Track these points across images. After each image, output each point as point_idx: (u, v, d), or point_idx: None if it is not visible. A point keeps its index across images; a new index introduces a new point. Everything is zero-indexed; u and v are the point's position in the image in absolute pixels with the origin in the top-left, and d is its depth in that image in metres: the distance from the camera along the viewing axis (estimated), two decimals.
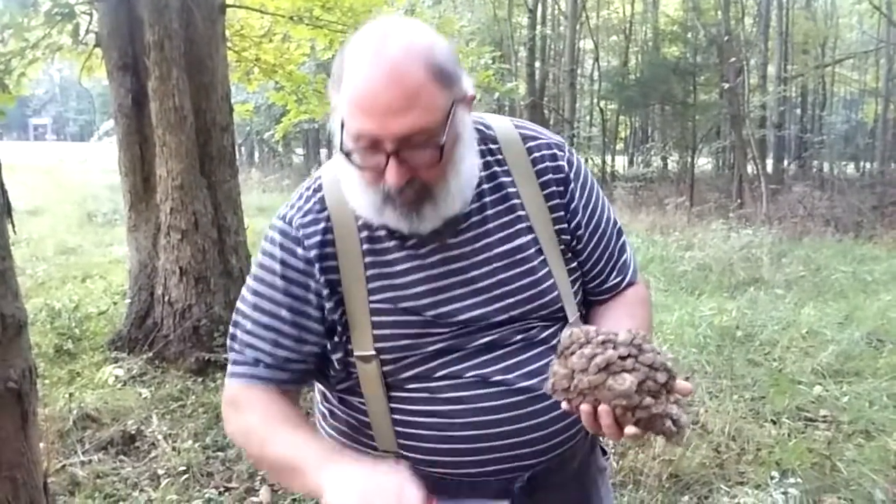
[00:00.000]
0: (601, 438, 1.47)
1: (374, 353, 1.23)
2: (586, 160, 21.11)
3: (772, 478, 3.24)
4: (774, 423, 4.04)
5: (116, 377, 4.53)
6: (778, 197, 15.24)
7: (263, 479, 3.45)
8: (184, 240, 4.92)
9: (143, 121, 5.10)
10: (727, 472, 3.47)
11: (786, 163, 22.81)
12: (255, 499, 3.32)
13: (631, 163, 26.55)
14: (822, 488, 3.25)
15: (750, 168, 16.83)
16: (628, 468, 3.41)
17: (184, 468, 3.51)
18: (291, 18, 6.78)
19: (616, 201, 15.95)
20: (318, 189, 1.30)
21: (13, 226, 2.13)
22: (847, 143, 24.70)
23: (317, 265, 1.25)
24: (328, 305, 1.25)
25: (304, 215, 1.27)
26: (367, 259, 1.25)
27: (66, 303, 5.97)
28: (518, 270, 1.28)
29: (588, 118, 28.76)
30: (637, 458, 3.48)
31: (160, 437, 3.80)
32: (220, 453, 3.71)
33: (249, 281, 1.32)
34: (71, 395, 4.18)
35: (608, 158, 23.64)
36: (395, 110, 1.09)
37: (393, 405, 1.26)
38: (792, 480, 3.17)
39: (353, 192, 1.23)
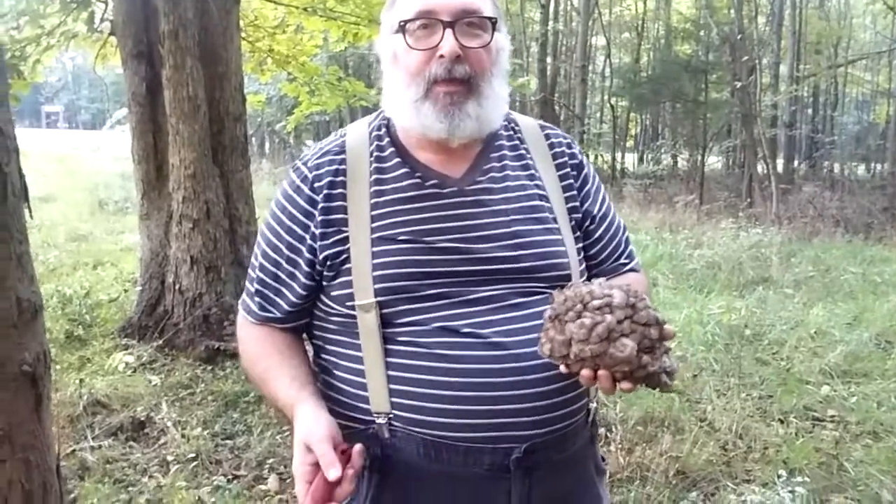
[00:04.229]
0: (599, 440, 1.49)
1: (373, 300, 1.24)
2: (596, 157, 21.12)
3: (779, 476, 3.24)
4: (782, 422, 4.05)
5: (126, 364, 4.56)
6: (788, 197, 15.18)
7: (272, 468, 3.47)
8: (195, 229, 4.94)
9: (156, 109, 5.12)
10: (734, 470, 3.47)
11: (796, 163, 22.71)
12: (263, 486, 3.34)
13: (641, 160, 26.44)
14: (830, 488, 3.26)
15: (760, 167, 16.77)
16: (635, 464, 3.41)
17: (193, 455, 3.52)
18: (305, 10, 6.80)
19: (625, 198, 15.92)
20: (342, 135, 1.38)
21: (30, 211, 2.14)
22: (858, 144, 24.59)
23: (321, 205, 1.29)
24: (330, 252, 1.28)
25: (322, 156, 1.34)
26: (374, 198, 1.29)
27: (77, 289, 6.01)
28: (535, 227, 1.31)
29: (599, 115, 28.69)
30: (644, 455, 3.48)
31: (169, 424, 3.82)
32: (228, 441, 3.74)
33: (266, 215, 1.39)
34: (81, 380, 4.21)
35: (618, 155, 23.57)
36: None
37: (389, 359, 1.25)
38: (799, 479, 3.16)
39: (395, 94, 1.30)
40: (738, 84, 15.61)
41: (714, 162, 24.58)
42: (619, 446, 3.56)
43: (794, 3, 21.26)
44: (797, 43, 21.22)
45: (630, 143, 28.68)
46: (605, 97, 26.56)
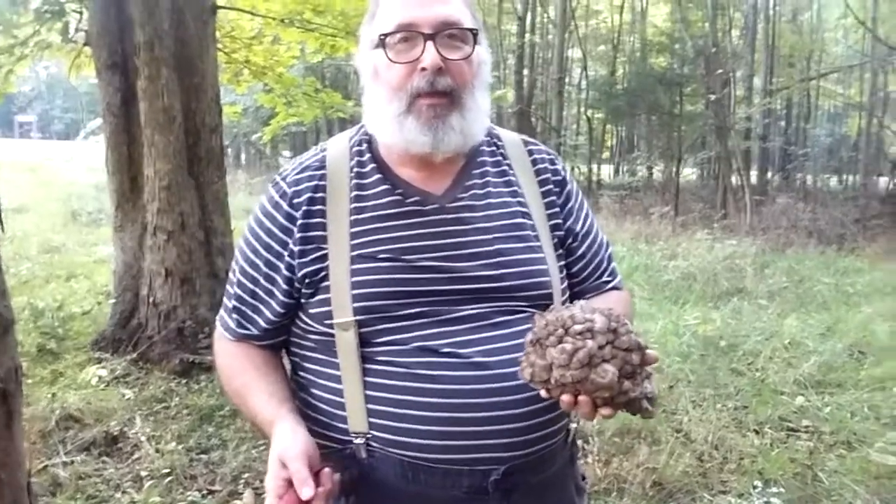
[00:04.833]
0: (579, 455, 1.48)
1: (352, 319, 1.22)
2: (573, 168, 21.20)
3: (754, 487, 3.26)
4: (757, 432, 4.07)
5: (100, 378, 4.50)
6: (762, 208, 15.32)
7: (247, 483, 3.44)
8: (170, 241, 4.90)
9: (131, 120, 5.07)
10: (710, 481, 3.49)
11: (770, 174, 22.94)
12: (238, 502, 3.30)
13: (617, 172, 26.63)
14: (804, 498, 3.28)
15: (734, 179, 16.93)
16: (612, 476, 3.42)
17: (167, 470, 3.48)
18: (282, 21, 6.78)
19: (601, 210, 16.00)
20: (322, 150, 1.36)
21: (1, 224, 2.12)
22: (831, 156, 24.86)
23: (300, 222, 1.28)
24: (308, 269, 1.26)
25: (301, 171, 1.33)
26: (354, 215, 1.28)
27: (49, 302, 5.92)
28: (517, 245, 1.30)
29: (575, 127, 28.85)
30: (621, 466, 3.49)
31: (143, 438, 3.78)
32: (203, 456, 3.69)
33: (244, 231, 1.37)
34: (54, 395, 4.15)
35: (594, 167, 23.70)
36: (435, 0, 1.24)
37: (367, 379, 1.23)
38: (774, 490, 3.19)
39: (377, 110, 1.28)
40: (713, 97, 15.76)
41: (689, 173, 24.74)
42: (596, 458, 3.56)
43: (767, 16, 21.55)
44: (770, 56, 21.47)
45: (606, 155, 28.88)
46: (582, 109, 26.71)
